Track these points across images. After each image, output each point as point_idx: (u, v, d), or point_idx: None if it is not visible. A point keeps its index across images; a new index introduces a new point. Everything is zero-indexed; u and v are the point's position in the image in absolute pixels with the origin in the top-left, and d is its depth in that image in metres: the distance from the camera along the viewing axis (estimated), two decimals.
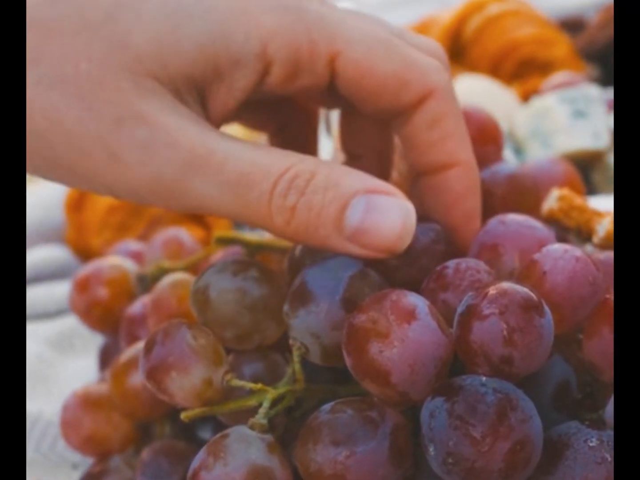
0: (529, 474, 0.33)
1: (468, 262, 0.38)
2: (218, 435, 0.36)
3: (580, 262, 0.36)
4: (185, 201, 0.37)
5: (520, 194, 0.47)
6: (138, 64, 0.36)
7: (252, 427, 0.37)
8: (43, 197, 0.76)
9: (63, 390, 0.58)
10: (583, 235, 0.46)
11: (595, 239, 0.45)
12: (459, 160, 0.40)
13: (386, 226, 0.36)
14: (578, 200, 0.46)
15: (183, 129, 0.36)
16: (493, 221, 0.41)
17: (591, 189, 0.68)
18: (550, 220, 0.47)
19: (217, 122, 0.39)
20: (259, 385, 0.37)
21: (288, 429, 0.39)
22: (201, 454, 0.36)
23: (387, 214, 0.36)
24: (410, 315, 0.34)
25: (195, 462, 0.36)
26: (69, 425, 0.47)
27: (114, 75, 0.35)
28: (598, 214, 0.46)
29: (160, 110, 0.36)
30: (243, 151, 0.36)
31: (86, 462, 0.52)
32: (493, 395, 0.33)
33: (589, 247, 0.45)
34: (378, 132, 0.45)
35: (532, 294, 0.34)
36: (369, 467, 0.34)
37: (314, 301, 0.37)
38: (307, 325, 0.37)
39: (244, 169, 0.36)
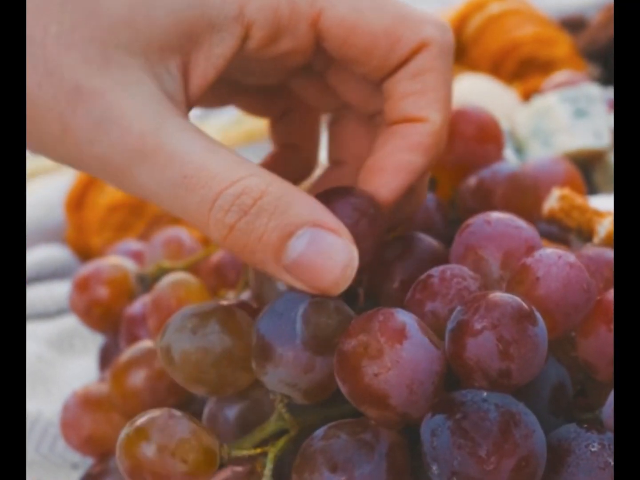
0: None
1: (453, 270, 0.37)
2: None
3: (574, 269, 0.36)
4: (131, 189, 0.35)
5: (521, 193, 0.47)
6: (109, 34, 0.34)
7: None
8: (43, 197, 0.76)
9: (63, 390, 0.58)
10: (584, 235, 0.46)
11: (596, 240, 0.45)
12: (427, 118, 0.38)
13: (325, 267, 0.35)
14: (579, 199, 0.46)
15: (139, 112, 0.34)
16: (478, 221, 0.40)
17: (592, 189, 0.68)
18: (551, 220, 0.47)
19: (198, 94, 0.37)
20: (258, 450, 0.36)
21: (281, 459, 0.38)
22: None
23: (329, 254, 0.34)
24: (401, 335, 0.33)
25: None
26: (69, 425, 0.47)
27: (83, 42, 0.34)
28: (599, 214, 0.46)
29: (122, 87, 0.34)
30: (194, 151, 0.34)
31: (86, 462, 0.51)
32: (496, 412, 0.32)
33: (589, 247, 0.45)
34: (365, 139, 0.43)
35: (523, 303, 0.34)
36: None
37: (277, 353, 0.35)
38: (279, 379, 0.36)
39: (188, 171, 0.34)
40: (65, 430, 0.47)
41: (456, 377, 0.35)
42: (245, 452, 0.36)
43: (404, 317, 0.34)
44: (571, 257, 0.36)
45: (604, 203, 0.48)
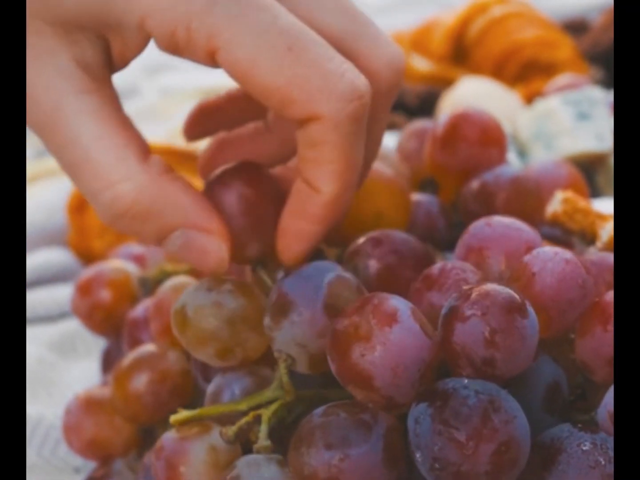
0: (518, 474, 0.33)
1: (454, 263, 0.38)
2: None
3: (570, 265, 0.36)
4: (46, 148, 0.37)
5: (524, 196, 0.47)
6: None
7: (258, 452, 0.37)
8: (45, 200, 0.76)
9: (65, 393, 0.58)
10: (587, 238, 0.46)
11: (599, 244, 0.44)
12: (320, 189, 0.38)
13: (200, 262, 0.38)
14: (582, 202, 0.46)
15: (45, 86, 0.35)
16: (479, 224, 0.41)
17: (595, 192, 0.68)
18: (554, 223, 0.47)
19: (121, 66, 0.38)
20: (252, 413, 0.37)
21: (281, 437, 0.39)
22: None
23: (201, 252, 0.38)
24: (391, 319, 0.34)
25: None
26: (71, 429, 0.47)
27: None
28: (602, 217, 0.45)
29: (35, 56, 0.35)
30: (83, 138, 0.36)
31: (88, 466, 0.51)
32: (475, 398, 0.33)
33: (593, 250, 0.44)
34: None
35: (515, 295, 0.34)
36: (363, 469, 0.34)
37: (296, 310, 0.37)
38: (292, 336, 0.37)
39: (75, 159, 0.36)
40: (67, 434, 0.47)
41: (446, 367, 0.35)
42: (239, 424, 0.37)
43: (397, 303, 0.35)
44: (568, 254, 0.37)
45: (607, 206, 0.48)
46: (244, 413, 0.38)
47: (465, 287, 0.35)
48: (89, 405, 0.47)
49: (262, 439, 0.37)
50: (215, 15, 0.35)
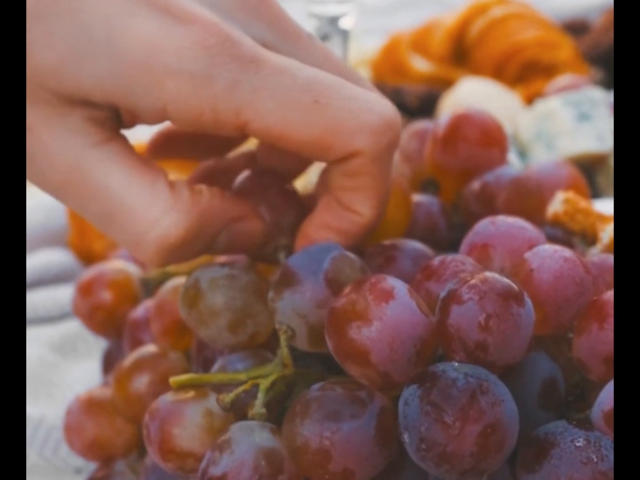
0: (504, 457, 0.34)
1: (454, 256, 0.39)
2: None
3: (568, 262, 0.37)
4: (74, 209, 0.38)
5: (525, 197, 0.47)
6: (36, 78, 0.36)
7: (252, 418, 0.37)
8: (45, 200, 0.75)
9: (66, 394, 0.58)
10: (588, 238, 0.46)
11: (599, 246, 0.44)
12: (359, 212, 0.40)
13: (248, 244, 0.41)
14: (583, 203, 0.46)
15: (61, 147, 0.36)
16: (483, 222, 0.41)
17: (595, 192, 0.68)
18: (555, 223, 0.47)
19: (131, 125, 0.39)
20: (250, 382, 0.38)
21: (278, 415, 0.39)
22: (208, 453, 0.36)
23: (247, 236, 0.40)
24: (388, 295, 0.35)
25: (204, 462, 0.36)
26: (72, 429, 0.47)
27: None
28: (603, 218, 0.45)
29: (47, 121, 0.36)
30: (114, 186, 0.37)
31: (89, 466, 0.51)
32: (464, 380, 0.33)
33: (594, 251, 0.44)
34: None
35: (513, 284, 0.35)
36: (354, 444, 0.34)
37: (299, 282, 0.38)
38: (293, 305, 0.38)
39: (110, 208, 0.37)
40: (68, 435, 0.47)
41: (443, 351, 0.35)
42: (236, 381, 0.38)
43: (394, 282, 0.36)
44: (567, 252, 0.37)
45: (608, 207, 0.48)
46: (243, 383, 0.38)
47: (465, 274, 0.36)
48: (90, 406, 0.47)
49: (258, 407, 0.37)
50: (239, 92, 0.36)
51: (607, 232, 0.44)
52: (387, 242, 0.43)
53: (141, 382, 0.44)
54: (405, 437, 0.34)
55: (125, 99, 0.36)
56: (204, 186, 0.39)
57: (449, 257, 0.39)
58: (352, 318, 0.35)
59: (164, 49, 0.36)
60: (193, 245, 0.38)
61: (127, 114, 0.38)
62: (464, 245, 0.41)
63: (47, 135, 0.36)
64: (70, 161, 0.36)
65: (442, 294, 0.35)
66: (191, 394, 0.38)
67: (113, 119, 0.38)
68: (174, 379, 0.38)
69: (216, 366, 0.40)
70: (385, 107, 0.39)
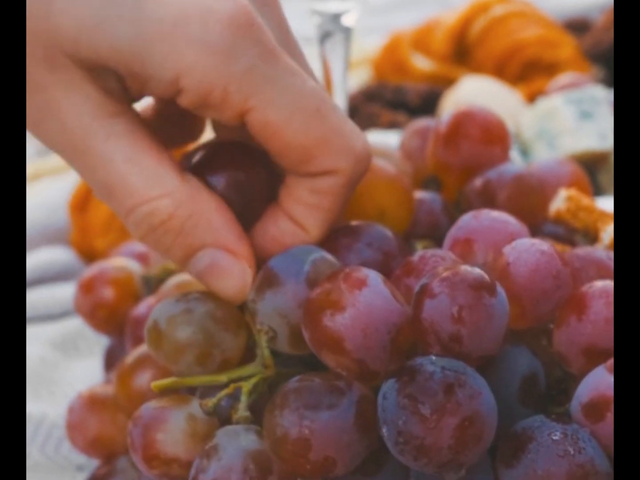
0: (482, 450, 0.34)
1: (434, 252, 0.39)
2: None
3: (545, 256, 0.37)
4: (76, 171, 0.38)
5: (527, 194, 0.47)
6: (56, 43, 0.36)
7: (237, 422, 0.37)
8: (47, 199, 0.76)
9: (67, 392, 0.58)
10: (590, 236, 0.46)
11: (600, 246, 0.44)
12: (308, 230, 0.40)
13: (223, 285, 0.39)
14: (586, 200, 0.46)
15: (75, 112, 0.36)
16: (466, 216, 0.41)
17: (597, 190, 0.68)
18: (557, 221, 0.47)
19: (139, 97, 0.39)
20: (232, 386, 0.38)
21: (261, 413, 0.39)
22: (196, 461, 0.36)
23: (225, 275, 0.38)
24: (361, 283, 0.35)
25: (192, 471, 0.36)
26: (74, 427, 0.47)
27: (34, 44, 0.36)
28: (606, 215, 0.45)
29: (64, 85, 0.36)
30: (116, 160, 0.37)
31: (91, 464, 0.51)
32: (441, 373, 0.33)
33: (598, 248, 0.44)
34: None
35: (485, 275, 0.35)
36: (334, 432, 0.34)
37: (280, 283, 0.38)
38: (275, 306, 0.38)
39: (110, 180, 0.37)
40: (70, 432, 0.47)
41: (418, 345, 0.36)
42: (221, 382, 0.38)
43: (368, 272, 0.36)
44: (544, 245, 0.37)
45: (610, 204, 0.48)
46: (225, 386, 0.38)
47: (438, 268, 0.36)
48: (92, 403, 0.47)
49: (242, 410, 0.37)
50: (254, 78, 0.36)
51: (608, 233, 0.44)
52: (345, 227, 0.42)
53: (143, 379, 0.44)
54: (384, 430, 0.34)
55: (140, 66, 0.36)
56: (215, 194, 0.39)
57: (429, 252, 0.39)
58: (326, 306, 0.35)
59: (191, 19, 0.35)
60: (174, 239, 0.38)
61: (136, 84, 0.37)
62: (447, 239, 0.41)
63: (64, 99, 0.36)
64: (81, 128, 0.36)
65: (416, 289, 0.36)
66: (174, 399, 0.38)
67: (125, 93, 0.38)
68: (155, 383, 0.38)
69: (198, 394, 0.40)
70: (366, 139, 0.40)
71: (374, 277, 0.36)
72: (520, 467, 0.34)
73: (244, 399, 0.38)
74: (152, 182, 0.37)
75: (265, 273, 0.38)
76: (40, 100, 0.36)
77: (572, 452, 0.34)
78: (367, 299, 0.35)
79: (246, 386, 0.38)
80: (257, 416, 0.38)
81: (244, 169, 0.40)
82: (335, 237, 0.41)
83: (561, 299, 0.37)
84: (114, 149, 0.37)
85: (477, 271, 0.35)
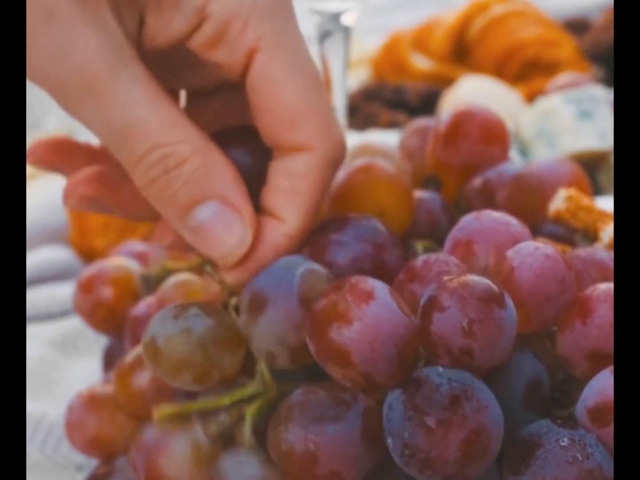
0: (488, 464, 0.34)
1: (438, 256, 0.38)
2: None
3: (550, 260, 0.37)
4: (78, 119, 0.37)
5: (526, 194, 0.46)
6: None
7: (242, 446, 0.37)
8: (46, 198, 0.76)
9: (66, 392, 0.58)
10: (590, 236, 0.46)
11: (599, 246, 0.44)
12: (285, 220, 0.39)
13: (220, 241, 0.38)
14: (585, 200, 0.46)
15: (100, 49, 0.36)
16: (468, 217, 0.41)
17: (597, 190, 0.68)
18: (557, 220, 0.47)
19: (147, 49, 0.39)
20: (235, 411, 0.37)
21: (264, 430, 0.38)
22: None
23: (226, 232, 0.38)
24: (368, 296, 0.35)
25: None
26: (73, 426, 0.47)
27: None
28: (605, 215, 0.45)
29: (91, 20, 0.36)
30: (140, 103, 0.36)
31: (90, 463, 0.51)
32: (448, 385, 0.33)
33: (598, 248, 0.44)
34: None
35: (493, 286, 0.35)
36: (340, 446, 0.34)
37: (272, 306, 0.37)
38: (269, 330, 0.37)
39: (130, 121, 0.36)
40: (70, 432, 0.47)
41: (426, 356, 0.35)
42: (223, 419, 0.37)
43: (374, 283, 0.35)
44: (549, 249, 0.37)
45: (610, 204, 0.48)
46: (227, 409, 0.37)
47: (444, 278, 0.36)
48: (91, 402, 0.47)
49: (246, 436, 0.37)
50: (276, 22, 0.37)
51: (607, 232, 0.44)
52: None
53: (143, 379, 0.44)
54: (390, 441, 0.34)
55: None
56: (226, 154, 0.39)
57: (432, 257, 0.38)
58: (332, 319, 0.34)
59: None
60: (182, 186, 0.37)
61: (158, 21, 0.37)
62: (449, 241, 0.41)
63: (91, 35, 0.36)
64: (104, 66, 0.36)
65: (423, 301, 0.35)
66: (176, 424, 0.38)
67: (138, 41, 0.38)
68: (158, 413, 0.38)
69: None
70: (342, 134, 0.40)
71: (380, 288, 0.35)
72: (528, 474, 0.34)
73: (247, 425, 0.37)
74: (172, 127, 0.37)
75: (252, 296, 0.37)
76: (63, 34, 0.36)
77: (580, 458, 0.33)
78: (374, 313, 0.34)
79: (249, 411, 0.37)
80: (261, 436, 0.37)
81: (246, 151, 0.40)
82: (324, 233, 0.40)
83: (565, 302, 0.37)
84: (137, 92, 0.36)
85: (485, 282, 0.35)
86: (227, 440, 0.38)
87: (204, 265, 0.41)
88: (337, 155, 0.39)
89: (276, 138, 0.39)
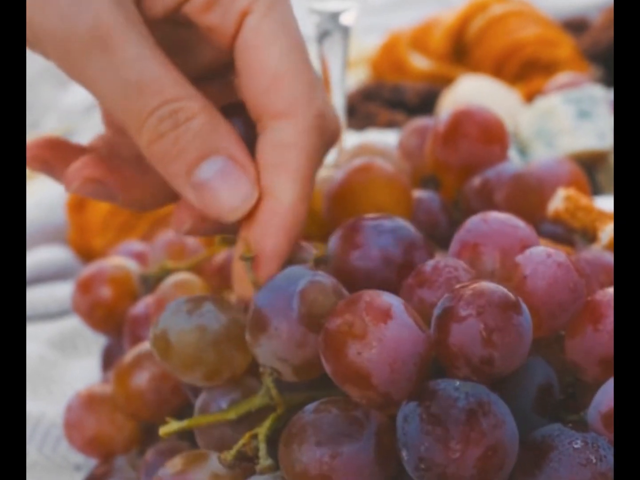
0: (503, 478, 0.33)
1: (447, 261, 0.38)
2: None
3: (562, 268, 0.36)
4: (81, 79, 0.37)
5: (525, 193, 0.47)
6: None
7: (261, 472, 0.36)
8: (45, 198, 0.76)
9: (65, 391, 0.58)
10: (589, 236, 0.46)
11: (598, 246, 0.44)
12: (278, 197, 0.38)
13: (226, 195, 0.38)
14: (584, 200, 0.46)
15: (112, 5, 0.36)
16: (475, 219, 0.40)
17: (596, 190, 0.68)
18: (555, 220, 0.47)
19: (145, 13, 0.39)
20: (248, 435, 0.37)
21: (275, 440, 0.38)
22: None
23: (231, 187, 0.38)
24: (386, 315, 0.34)
25: None
26: (72, 426, 0.47)
27: None
28: (604, 215, 0.45)
29: None
30: (153, 60, 0.37)
31: (89, 463, 0.51)
32: (465, 400, 0.33)
33: (594, 248, 0.44)
34: None
35: (509, 293, 0.34)
36: (355, 467, 0.34)
37: (272, 325, 0.36)
38: (272, 351, 0.36)
39: (144, 76, 0.37)
40: (68, 431, 0.47)
41: (441, 366, 0.35)
42: (236, 448, 0.37)
43: (389, 299, 0.35)
44: (561, 257, 0.36)
45: (608, 204, 0.48)
46: (238, 432, 0.37)
47: (458, 287, 0.35)
48: (90, 402, 0.47)
49: (263, 459, 0.36)
50: None
51: (606, 233, 0.44)
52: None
53: (141, 379, 0.44)
54: (404, 454, 0.33)
55: None
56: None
57: (442, 262, 0.38)
58: (350, 340, 0.34)
59: None
60: (191, 141, 0.37)
61: None
62: (455, 243, 0.40)
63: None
64: (117, 21, 0.36)
65: (437, 312, 0.35)
66: (190, 460, 0.37)
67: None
68: (164, 430, 0.38)
69: (198, 403, 0.39)
70: (333, 112, 0.40)
71: (396, 305, 0.34)
72: (542, 476, 0.34)
73: (262, 447, 0.36)
74: (182, 85, 0.37)
75: (254, 313, 0.37)
76: None
77: (594, 460, 0.33)
78: (394, 334, 0.34)
79: (262, 432, 0.36)
80: (274, 449, 0.37)
81: (238, 123, 0.40)
82: (360, 219, 0.40)
83: (577, 309, 0.37)
84: (148, 51, 0.37)
85: (501, 289, 0.34)
86: (241, 458, 0.37)
87: (223, 241, 0.41)
88: (323, 124, 0.39)
89: (259, 104, 0.39)
